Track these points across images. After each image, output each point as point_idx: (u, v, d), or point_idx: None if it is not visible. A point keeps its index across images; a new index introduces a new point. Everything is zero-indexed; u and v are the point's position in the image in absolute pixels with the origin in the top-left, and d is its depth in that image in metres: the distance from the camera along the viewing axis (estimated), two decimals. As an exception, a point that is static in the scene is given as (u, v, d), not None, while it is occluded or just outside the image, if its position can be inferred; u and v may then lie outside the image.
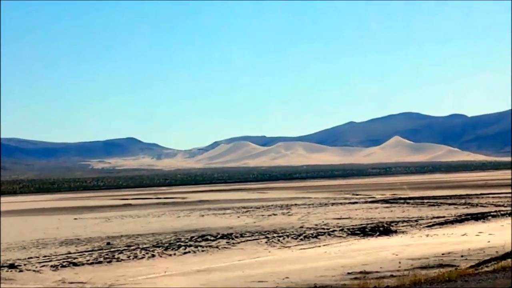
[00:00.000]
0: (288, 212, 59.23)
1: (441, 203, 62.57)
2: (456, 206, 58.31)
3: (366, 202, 69.55)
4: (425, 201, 66.82)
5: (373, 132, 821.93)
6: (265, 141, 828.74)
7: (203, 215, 59.15)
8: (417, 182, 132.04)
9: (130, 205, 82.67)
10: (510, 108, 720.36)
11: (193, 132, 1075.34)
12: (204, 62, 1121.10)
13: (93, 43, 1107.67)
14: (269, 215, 55.90)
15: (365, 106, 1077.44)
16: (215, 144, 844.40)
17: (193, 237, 40.12)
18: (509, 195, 68.29)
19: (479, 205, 58.34)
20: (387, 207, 61.08)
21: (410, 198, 72.42)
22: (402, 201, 68.64)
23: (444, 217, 47.84)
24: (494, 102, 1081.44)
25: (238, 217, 55.32)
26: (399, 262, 26.69)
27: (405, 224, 43.94)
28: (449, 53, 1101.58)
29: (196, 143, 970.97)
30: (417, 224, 43.72)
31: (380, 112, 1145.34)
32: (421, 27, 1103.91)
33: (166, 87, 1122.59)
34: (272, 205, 69.00)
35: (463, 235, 36.63)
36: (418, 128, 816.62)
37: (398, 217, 49.15)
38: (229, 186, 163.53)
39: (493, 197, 68.47)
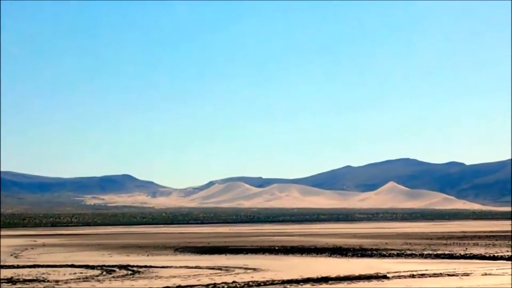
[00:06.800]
0: None
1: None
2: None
3: None
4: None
5: (370, 177, 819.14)
6: (261, 182, 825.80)
7: None
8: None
9: None
10: (509, 157, 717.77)
11: (190, 171, 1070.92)
12: (203, 101, 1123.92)
13: (93, 76, 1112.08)
14: None
15: (363, 151, 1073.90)
16: (210, 184, 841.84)
17: None
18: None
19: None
20: None
21: None
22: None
23: None
24: (493, 151, 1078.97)
25: None
26: None
27: None
28: (450, 101, 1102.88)
29: (192, 182, 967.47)
30: None
31: (378, 157, 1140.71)
32: (422, 75, 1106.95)
33: (164, 125, 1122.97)
34: None
35: None
36: (415, 174, 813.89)
37: None
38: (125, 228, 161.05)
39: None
